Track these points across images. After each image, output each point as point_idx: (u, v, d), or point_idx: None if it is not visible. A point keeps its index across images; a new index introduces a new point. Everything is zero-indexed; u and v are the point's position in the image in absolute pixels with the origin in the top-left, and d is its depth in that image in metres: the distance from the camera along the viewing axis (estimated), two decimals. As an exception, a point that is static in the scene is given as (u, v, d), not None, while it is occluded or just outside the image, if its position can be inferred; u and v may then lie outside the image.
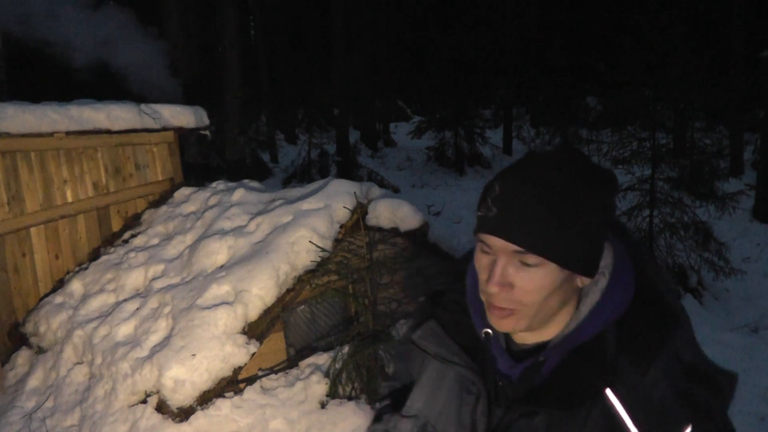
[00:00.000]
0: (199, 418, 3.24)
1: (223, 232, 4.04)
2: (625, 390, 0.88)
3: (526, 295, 0.91)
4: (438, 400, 1.06)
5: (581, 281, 0.94)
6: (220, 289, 3.60)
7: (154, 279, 4.06)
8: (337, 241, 3.80)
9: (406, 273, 4.01)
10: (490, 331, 1.00)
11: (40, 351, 4.13)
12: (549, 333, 0.98)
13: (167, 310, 3.70)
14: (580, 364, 0.92)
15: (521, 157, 0.98)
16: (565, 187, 0.90)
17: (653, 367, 0.88)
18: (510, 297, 0.92)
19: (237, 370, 3.38)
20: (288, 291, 3.62)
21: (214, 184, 4.99)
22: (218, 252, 3.93)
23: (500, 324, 0.95)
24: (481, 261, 0.96)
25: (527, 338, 1.00)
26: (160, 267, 4.13)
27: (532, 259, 0.90)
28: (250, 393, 3.40)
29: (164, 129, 5.10)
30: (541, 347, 0.98)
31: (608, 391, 0.88)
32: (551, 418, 0.91)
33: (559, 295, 0.93)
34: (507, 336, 1.02)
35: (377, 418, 1.22)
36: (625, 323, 0.92)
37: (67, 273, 4.58)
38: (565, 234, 0.89)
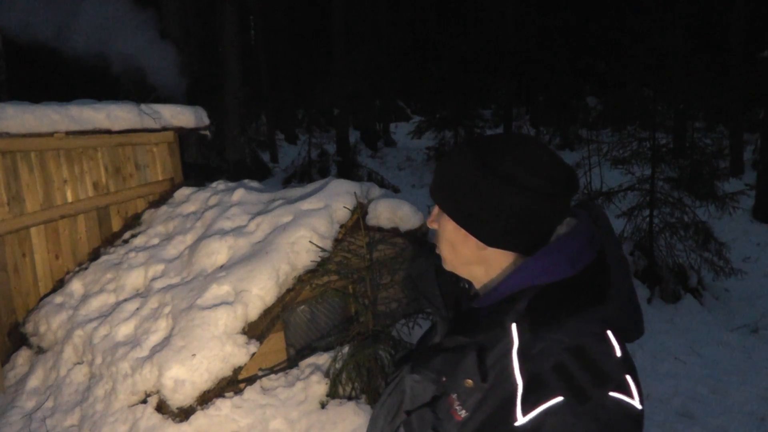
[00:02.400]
0: (199, 418, 3.24)
1: (223, 232, 4.04)
2: (521, 341, 0.97)
3: (439, 237, 1.14)
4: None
5: (493, 250, 1.07)
6: (220, 289, 3.60)
7: (154, 279, 4.06)
8: (337, 241, 3.80)
9: (406, 273, 4.02)
10: (466, 285, 1.19)
11: (40, 351, 4.13)
12: (493, 281, 1.14)
13: (167, 310, 3.70)
14: (494, 314, 1.04)
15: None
16: (461, 160, 1.07)
17: (542, 335, 0.96)
18: (436, 237, 1.16)
19: (237, 370, 3.38)
20: (288, 291, 3.62)
21: (214, 184, 4.99)
22: (218, 252, 3.93)
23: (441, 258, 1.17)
24: None
25: (476, 285, 1.15)
26: (160, 267, 4.13)
27: (438, 208, 1.12)
28: (250, 393, 3.40)
29: (164, 129, 5.10)
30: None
31: (513, 326, 0.98)
32: (450, 355, 1.06)
33: (465, 249, 1.09)
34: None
35: None
36: (544, 295, 1.00)
37: (67, 273, 4.58)
38: (457, 198, 1.07)
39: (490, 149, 1.05)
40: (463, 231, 1.08)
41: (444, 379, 1.04)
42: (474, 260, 1.09)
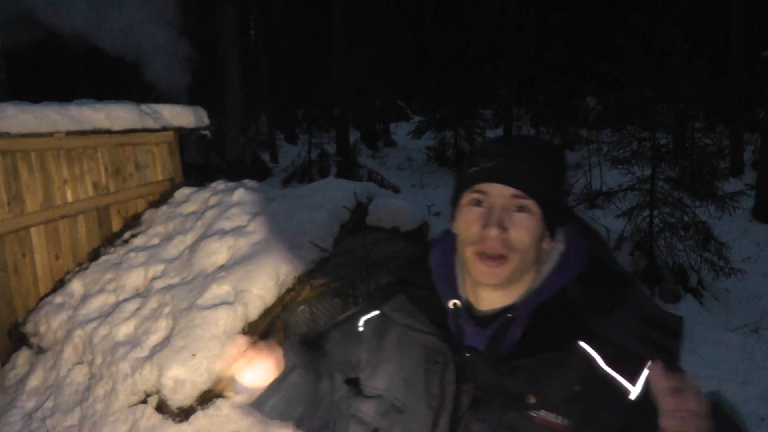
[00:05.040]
0: (199, 418, 3.24)
1: (223, 232, 4.04)
2: (593, 337, 0.98)
3: (519, 238, 1.01)
4: (403, 377, 1.10)
5: (546, 242, 1.06)
6: (220, 289, 3.60)
7: (154, 279, 4.06)
8: (337, 241, 3.80)
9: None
10: (458, 302, 1.09)
11: (40, 351, 4.13)
12: (514, 295, 1.06)
13: (167, 310, 3.70)
14: (550, 318, 1.02)
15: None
16: (550, 152, 1.07)
17: (614, 316, 0.99)
18: (505, 241, 1.01)
19: (237, 370, 3.38)
20: (288, 291, 3.62)
21: (214, 184, 4.99)
22: (218, 252, 3.93)
23: (491, 274, 1.02)
24: (472, 214, 1.04)
25: (495, 302, 1.07)
26: (160, 267, 4.13)
27: (526, 202, 1.01)
28: (250, 393, 3.40)
29: (164, 129, 5.10)
30: (506, 310, 1.06)
31: (581, 343, 0.98)
32: (532, 372, 0.99)
33: (535, 248, 1.03)
34: (469, 308, 1.10)
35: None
36: (585, 282, 1.04)
37: (67, 273, 4.58)
38: (551, 187, 1.03)
39: (548, 142, 1.14)
40: (543, 226, 1.03)
41: (533, 399, 0.97)
42: (534, 261, 1.05)
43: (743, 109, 13.01)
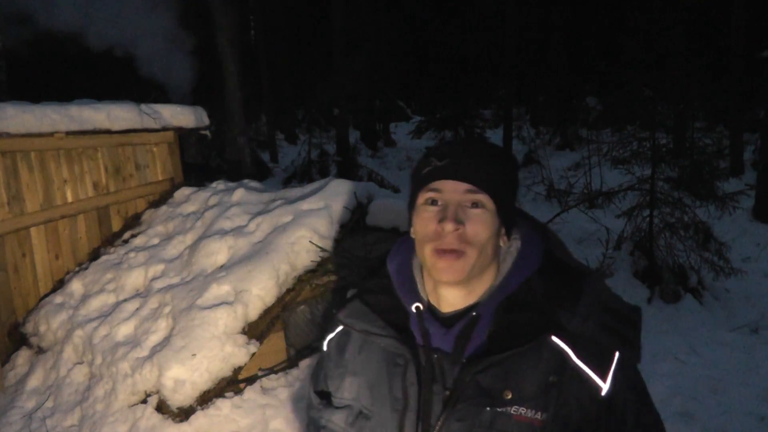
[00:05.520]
0: (199, 418, 3.24)
1: (223, 232, 4.04)
2: (563, 330, 1.00)
3: (475, 233, 1.01)
4: (367, 383, 1.11)
5: (503, 240, 1.07)
6: (220, 289, 3.60)
7: (154, 279, 4.06)
8: (337, 241, 3.80)
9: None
10: (420, 305, 1.08)
11: (40, 351, 4.13)
12: (476, 294, 1.07)
13: (167, 310, 3.70)
14: (517, 312, 1.03)
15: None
16: (500, 152, 1.09)
17: (580, 307, 1.00)
18: (461, 236, 1.01)
19: (237, 370, 3.38)
20: (288, 291, 3.62)
21: (214, 184, 4.99)
22: (218, 252, 3.93)
23: (450, 270, 1.01)
24: (428, 213, 1.05)
25: (457, 302, 1.07)
26: (160, 267, 4.13)
27: (480, 197, 1.02)
28: (250, 393, 3.40)
29: (164, 129, 5.10)
30: (470, 309, 1.06)
31: (552, 336, 0.99)
32: (505, 367, 0.99)
33: (492, 244, 1.05)
34: (432, 311, 1.10)
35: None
36: (545, 276, 1.06)
37: (67, 273, 4.58)
38: (503, 184, 1.05)
39: (498, 145, 1.15)
40: (498, 222, 1.04)
41: (510, 394, 0.98)
42: (492, 258, 1.06)
43: (743, 109, 13.00)
